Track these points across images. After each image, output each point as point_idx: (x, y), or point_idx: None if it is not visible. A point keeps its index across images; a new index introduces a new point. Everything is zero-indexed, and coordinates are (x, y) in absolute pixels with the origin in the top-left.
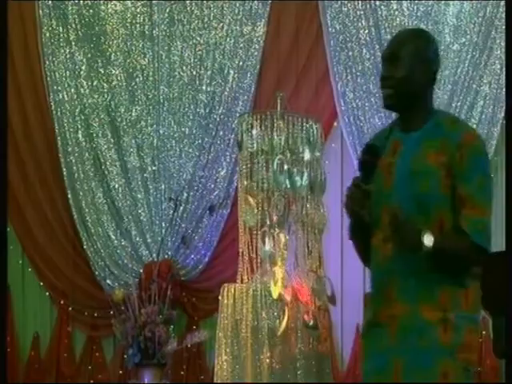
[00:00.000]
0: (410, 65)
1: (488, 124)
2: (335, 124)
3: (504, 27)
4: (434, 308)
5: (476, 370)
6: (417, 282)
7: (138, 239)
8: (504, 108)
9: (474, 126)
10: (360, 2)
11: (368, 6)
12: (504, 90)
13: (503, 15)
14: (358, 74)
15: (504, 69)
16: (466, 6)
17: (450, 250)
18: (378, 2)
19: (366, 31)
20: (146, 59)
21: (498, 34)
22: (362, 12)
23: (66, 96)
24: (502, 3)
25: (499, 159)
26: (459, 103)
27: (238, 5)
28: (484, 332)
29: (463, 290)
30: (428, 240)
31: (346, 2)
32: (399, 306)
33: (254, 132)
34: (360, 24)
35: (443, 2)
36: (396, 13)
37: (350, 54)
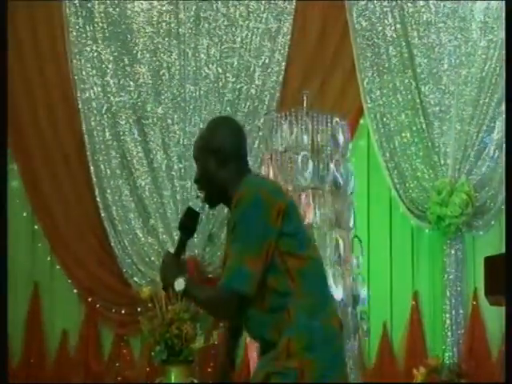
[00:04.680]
0: (202, 162)
1: None
2: (361, 121)
3: None
4: (264, 337)
5: (299, 371)
6: (255, 323)
7: (164, 236)
8: None
9: (502, 123)
10: None
11: (394, 2)
12: None
13: None
14: (385, 71)
15: None
16: (493, 3)
17: (199, 295)
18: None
19: (393, 28)
20: (172, 57)
21: None
22: (388, 9)
23: (92, 94)
24: None
25: None
26: (487, 100)
27: (263, 2)
28: None
29: (285, 311)
30: (177, 285)
31: None
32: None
33: (280, 131)
34: (386, 21)
35: None
36: (423, 10)
37: (377, 51)
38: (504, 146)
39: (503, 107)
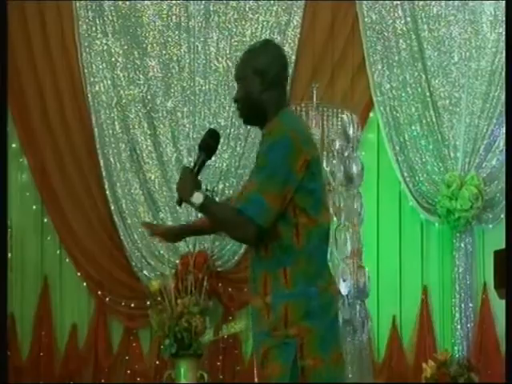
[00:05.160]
0: (246, 82)
1: None
2: (371, 115)
3: None
4: (259, 295)
5: (299, 339)
6: (254, 273)
7: None
8: None
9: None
10: None
11: None
12: None
13: None
14: (395, 64)
15: None
16: None
17: (215, 211)
18: None
19: (403, 21)
20: (182, 50)
21: None
22: (398, 2)
23: (102, 87)
24: None
25: None
26: (497, 93)
27: None
28: None
29: (282, 269)
30: (196, 198)
31: None
32: (250, 298)
33: None
34: (396, 14)
35: None
36: (433, 3)
37: (387, 44)
38: (505, 145)
39: None
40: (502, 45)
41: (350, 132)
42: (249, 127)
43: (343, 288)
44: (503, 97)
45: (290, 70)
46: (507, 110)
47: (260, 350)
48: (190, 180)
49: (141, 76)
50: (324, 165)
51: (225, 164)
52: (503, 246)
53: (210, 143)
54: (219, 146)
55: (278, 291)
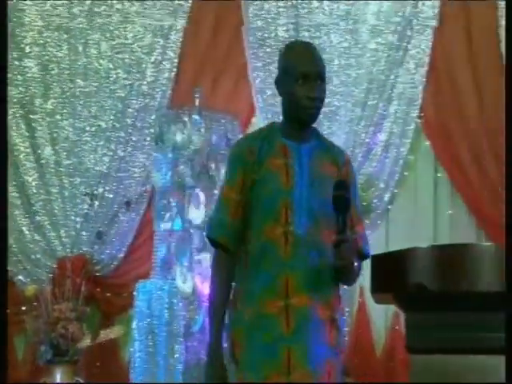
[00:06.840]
0: (325, 84)
1: (402, 123)
2: (254, 120)
3: (420, 28)
4: (326, 307)
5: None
6: (316, 278)
7: (51, 234)
8: (418, 107)
9: (389, 124)
10: None
11: (290, 3)
12: (419, 88)
13: (420, 15)
14: (276, 71)
15: (421, 68)
16: (385, 6)
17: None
18: (299, 0)
19: (284, 28)
20: (62, 52)
21: (413, 34)
22: (283, 9)
23: None
24: (420, 4)
25: (413, 158)
26: (375, 101)
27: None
28: (397, 327)
29: (339, 294)
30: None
31: None
32: (297, 297)
33: (173, 128)
34: (280, 21)
35: (363, 1)
36: (316, 11)
37: (269, 50)
38: (505, 144)
39: (390, 108)
40: (381, 54)
41: (233, 137)
42: (130, 130)
43: None
44: (381, 104)
45: (173, 74)
46: (507, 116)
47: (322, 363)
48: (351, 245)
49: (19, 76)
50: (208, 170)
51: (105, 167)
52: (380, 251)
53: (337, 196)
54: (99, 149)
55: (340, 313)
